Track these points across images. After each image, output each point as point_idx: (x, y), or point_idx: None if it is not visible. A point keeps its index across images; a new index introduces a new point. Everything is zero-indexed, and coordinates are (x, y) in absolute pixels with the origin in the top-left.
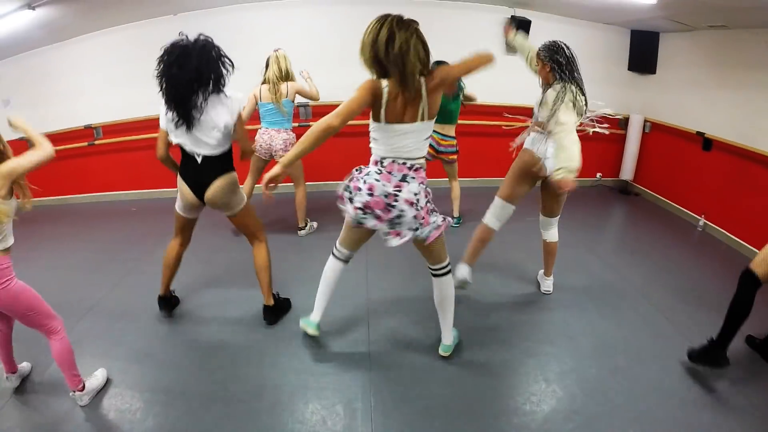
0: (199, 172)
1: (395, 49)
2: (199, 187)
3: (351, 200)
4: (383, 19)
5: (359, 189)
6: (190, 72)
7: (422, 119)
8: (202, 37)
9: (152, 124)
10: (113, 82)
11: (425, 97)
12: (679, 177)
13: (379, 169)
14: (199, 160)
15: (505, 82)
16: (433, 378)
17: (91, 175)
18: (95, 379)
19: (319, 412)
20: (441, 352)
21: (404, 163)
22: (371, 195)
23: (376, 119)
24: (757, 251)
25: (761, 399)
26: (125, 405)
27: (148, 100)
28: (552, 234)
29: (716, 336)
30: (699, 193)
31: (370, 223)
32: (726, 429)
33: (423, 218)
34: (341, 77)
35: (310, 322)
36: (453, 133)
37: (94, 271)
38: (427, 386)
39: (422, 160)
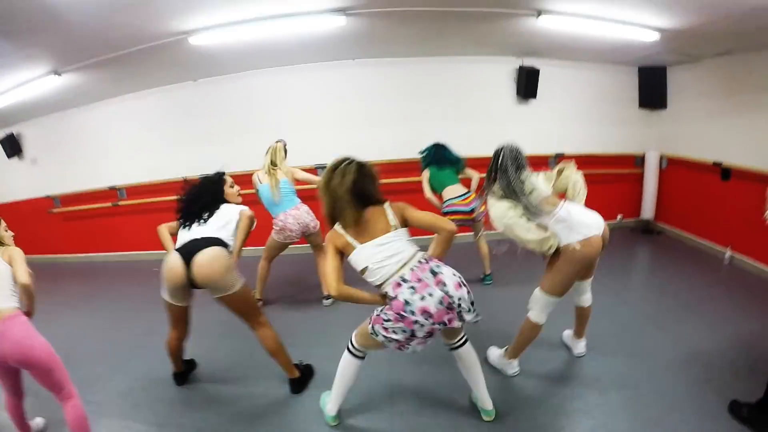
0: (193, 244)
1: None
2: (189, 255)
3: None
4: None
5: (415, 322)
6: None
7: (395, 229)
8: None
9: (174, 186)
10: (137, 145)
11: (390, 214)
12: (700, 210)
13: (412, 287)
14: (197, 237)
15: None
16: None
17: (115, 235)
18: None
19: None
20: (484, 417)
21: (420, 262)
22: (430, 316)
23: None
24: None
25: None
26: None
27: (170, 163)
28: (587, 298)
29: (762, 398)
30: (723, 224)
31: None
32: None
33: (469, 293)
34: (356, 137)
35: (328, 417)
36: (466, 189)
37: (116, 328)
38: None
39: (424, 252)
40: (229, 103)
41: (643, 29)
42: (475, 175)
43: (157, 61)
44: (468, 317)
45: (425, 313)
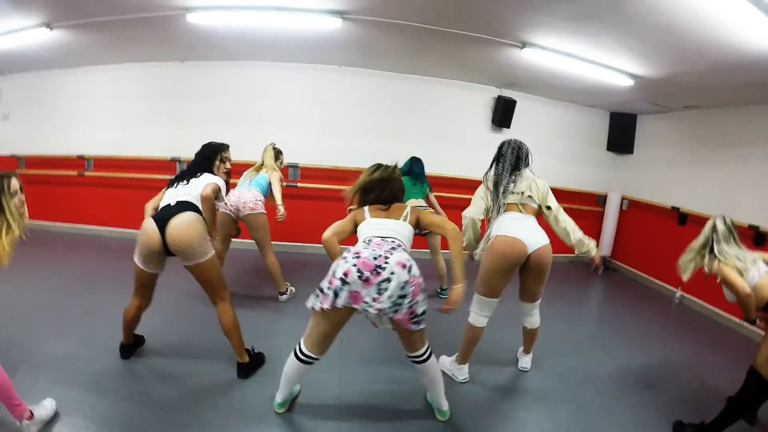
0: (167, 210)
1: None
2: (163, 222)
3: (331, 278)
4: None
5: (344, 258)
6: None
7: (404, 220)
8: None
9: (143, 164)
10: (112, 117)
11: (408, 210)
12: (655, 251)
13: (366, 244)
14: (172, 204)
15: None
16: None
17: (76, 206)
18: (43, 408)
19: None
20: (439, 417)
21: (393, 240)
22: (357, 257)
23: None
24: (734, 319)
25: None
26: None
27: (142, 140)
28: (534, 321)
29: (708, 423)
30: (675, 266)
31: (354, 288)
32: None
33: (413, 287)
34: (331, 142)
35: (276, 403)
36: (425, 204)
37: (68, 296)
38: None
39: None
40: (211, 89)
41: (619, 74)
42: (437, 209)
43: (150, 34)
44: (384, 303)
45: (356, 254)
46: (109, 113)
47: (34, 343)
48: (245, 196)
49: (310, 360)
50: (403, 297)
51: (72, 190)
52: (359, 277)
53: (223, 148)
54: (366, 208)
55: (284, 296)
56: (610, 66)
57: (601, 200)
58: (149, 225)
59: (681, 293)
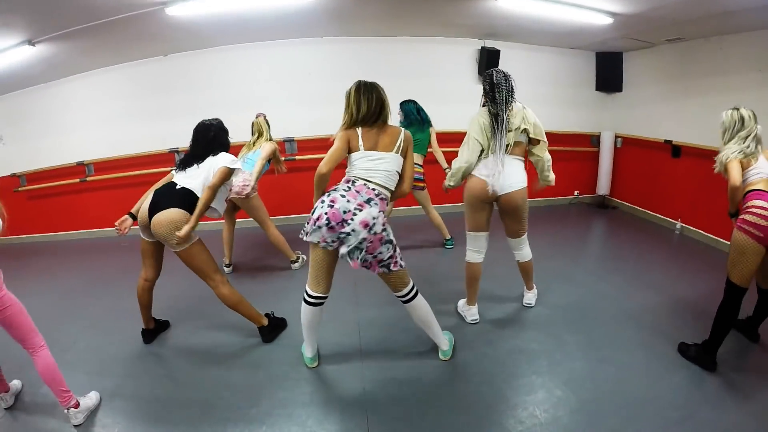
0: (168, 195)
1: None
2: (156, 207)
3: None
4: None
5: (322, 201)
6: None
7: (396, 152)
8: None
9: (142, 161)
10: (105, 120)
11: (402, 137)
12: (653, 186)
13: (348, 187)
14: (178, 186)
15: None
16: (425, 377)
17: (82, 212)
18: (89, 399)
19: (315, 414)
20: (441, 357)
21: (374, 189)
22: (331, 206)
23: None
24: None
25: (747, 373)
26: (119, 419)
27: (138, 138)
28: (524, 254)
29: (707, 339)
30: (673, 198)
31: (320, 233)
32: (718, 402)
33: (371, 243)
34: (321, 112)
35: (306, 358)
36: (421, 162)
37: (88, 296)
38: (420, 386)
39: (388, 194)
40: (198, 78)
41: (597, 13)
42: (440, 156)
43: (132, 33)
44: (342, 249)
45: (332, 201)
46: (102, 116)
47: (65, 341)
48: (234, 179)
49: (318, 300)
50: (359, 250)
51: (77, 197)
52: (326, 224)
53: (220, 122)
54: (359, 130)
55: (296, 264)
56: (587, 6)
57: (594, 140)
58: (146, 206)
59: (681, 224)
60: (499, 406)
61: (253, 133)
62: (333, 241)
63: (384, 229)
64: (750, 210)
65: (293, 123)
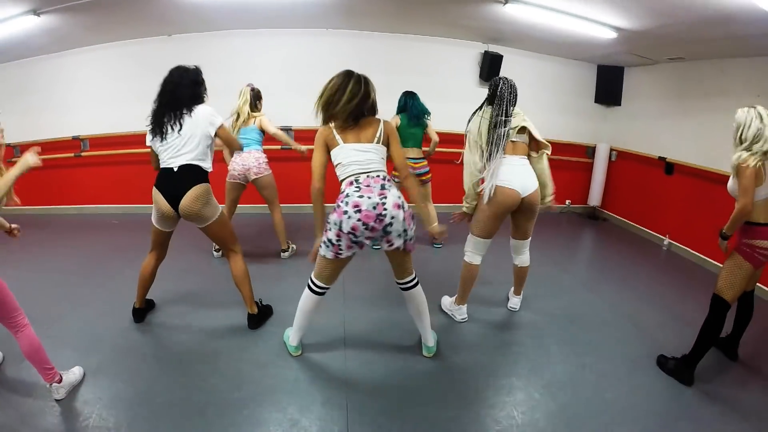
0: (174, 182)
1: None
2: (173, 198)
3: (339, 232)
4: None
5: (345, 213)
6: (167, 94)
7: (377, 143)
8: (186, 66)
9: (138, 139)
10: (104, 97)
11: (381, 128)
12: (644, 201)
13: (357, 186)
14: (175, 169)
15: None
16: (408, 371)
17: (75, 187)
18: (72, 374)
19: (297, 402)
20: (425, 353)
21: (378, 176)
22: (359, 211)
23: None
24: (719, 264)
25: (726, 389)
26: (101, 395)
27: (135, 116)
28: (524, 259)
29: (687, 354)
30: (663, 214)
31: (363, 242)
32: (697, 415)
33: (408, 218)
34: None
35: (291, 347)
36: (420, 155)
37: (77, 274)
38: (401, 380)
39: (384, 172)
40: (201, 60)
41: (601, 27)
42: (434, 138)
43: (137, 11)
44: (396, 241)
45: (356, 207)
46: (101, 93)
47: (52, 317)
48: (248, 161)
49: (323, 290)
50: (405, 231)
51: (70, 172)
52: (365, 228)
53: (199, 69)
54: (333, 129)
55: (286, 253)
56: (593, 19)
57: (590, 151)
58: (161, 200)
59: (669, 241)
60: (478, 405)
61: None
62: (379, 239)
63: (408, 205)
64: (759, 251)
65: (293, 113)
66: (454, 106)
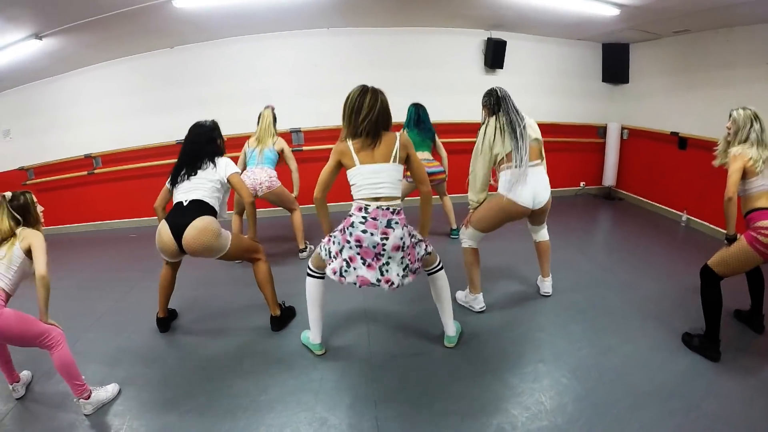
0: (182, 211)
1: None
2: (177, 227)
3: (338, 254)
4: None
5: (348, 242)
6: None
7: (394, 161)
8: (201, 123)
9: (149, 153)
10: (112, 113)
11: (398, 145)
12: (659, 178)
13: (364, 217)
14: (185, 202)
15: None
16: (432, 364)
17: (89, 204)
18: (104, 391)
19: (324, 401)
20: (446, 343)
21: (387, 208)
22: (360, 246)
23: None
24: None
25: (751, 362)
26: (131, 406)
27: (145, 130)
28: (542, 234)
29: (705, 332)
30: (679, 190)
31: (359, 272)
32: (722, 392)
33: (409, 255)
34: (328, 103)
35: (313, 345)
36: (431, 156)
37: (98, 288)
38: (426, 373)
39: (400, 202)
40: (205, 70)
41: (604, 4)
42: (443, 154)
43: (139, 26)
44: (395, 279)
45: (357, 241)
46: (109, 109)
47: (77, 333)
48: (259, 176)
49: (322, 274)
50: (404, 267)
51: (84, 189)
52: (363, 263)
53: (215, 124)
54: (350, 143)
55: (304, 253)
56: None
57: (601, 132)
58: (165, 232)
59: (687, 216)
60: (504, 393)
61: (258, 123)
62: (379, 280)
63: (412, 236)
64: (761, 231)
65: (300, 114)
66: (461, 96)
